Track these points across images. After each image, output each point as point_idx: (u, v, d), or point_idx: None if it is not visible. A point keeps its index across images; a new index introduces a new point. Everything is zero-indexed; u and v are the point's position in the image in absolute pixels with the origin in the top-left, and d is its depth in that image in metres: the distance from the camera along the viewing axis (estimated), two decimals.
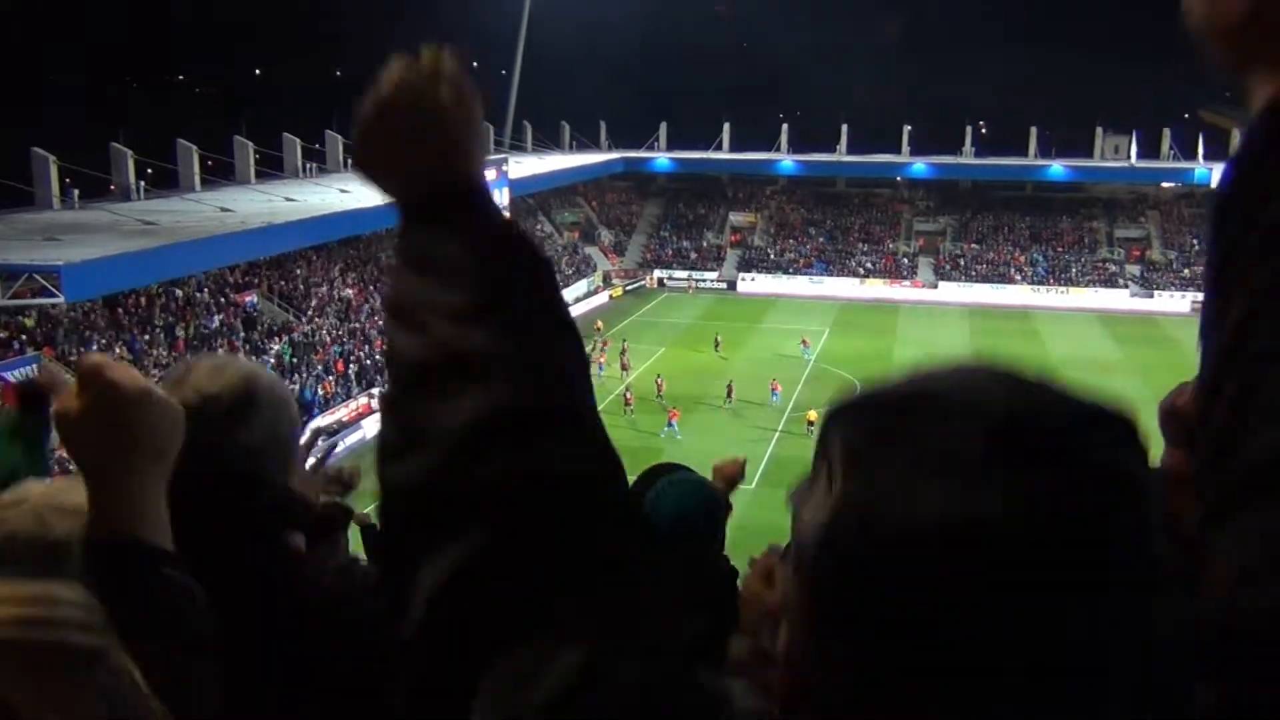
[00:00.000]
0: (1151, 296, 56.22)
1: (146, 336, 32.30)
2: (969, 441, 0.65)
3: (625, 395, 35.86)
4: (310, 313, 39.33)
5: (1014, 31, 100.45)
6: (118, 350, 30.65)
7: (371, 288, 42.60)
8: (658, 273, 61.39)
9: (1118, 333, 48.95)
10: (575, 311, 41.05)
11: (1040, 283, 58.88)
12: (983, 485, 0.63)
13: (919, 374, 0.73)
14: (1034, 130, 63.08)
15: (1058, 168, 61.69)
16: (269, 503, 1.74)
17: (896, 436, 0.67)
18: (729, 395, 36.55)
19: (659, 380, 37.63)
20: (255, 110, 49.41)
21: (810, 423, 33.83)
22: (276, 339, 36.18)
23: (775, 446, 31.72)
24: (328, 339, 37.81)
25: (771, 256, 63.54)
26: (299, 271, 41.11)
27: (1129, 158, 62.42)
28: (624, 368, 39.62)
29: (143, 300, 33.26)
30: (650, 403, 35.81)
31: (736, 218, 66.32)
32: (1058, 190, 64.17)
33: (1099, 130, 64.11)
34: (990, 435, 0.65)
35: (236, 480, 1.67)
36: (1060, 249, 61.81)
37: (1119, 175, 62.97)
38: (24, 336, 28.67)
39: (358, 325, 39.71)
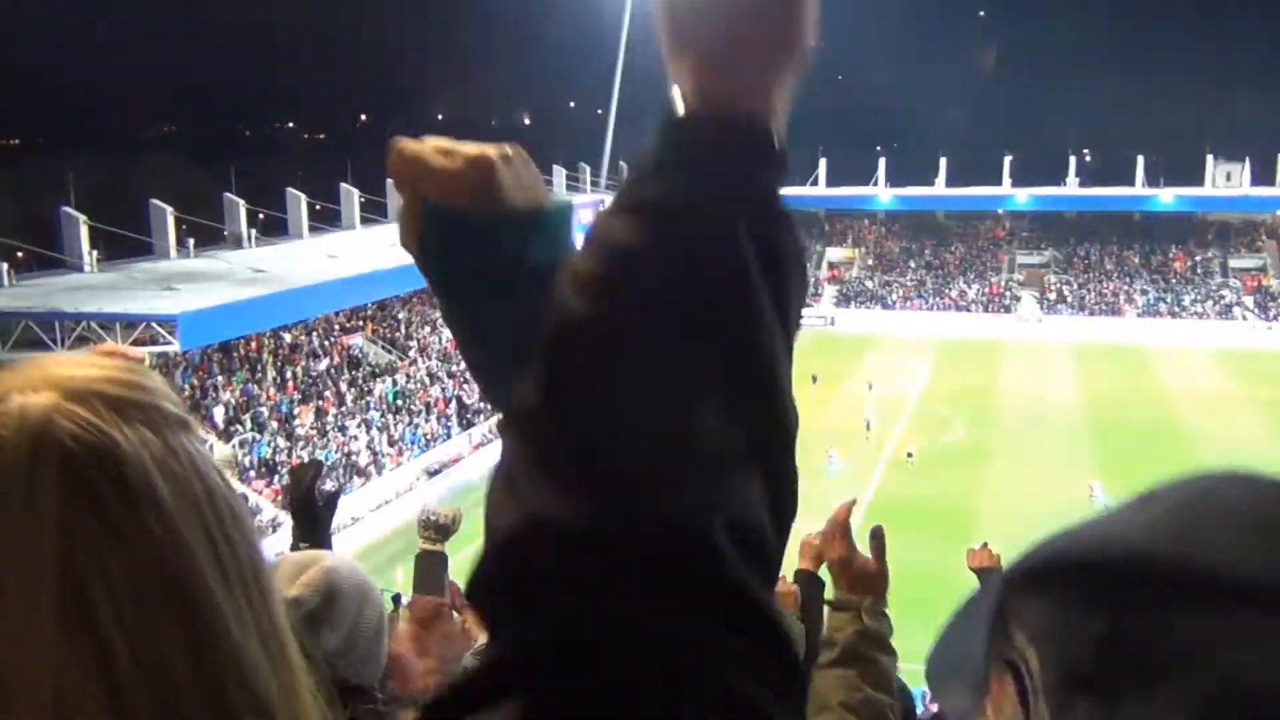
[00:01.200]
0: (1271, 329, 53.94)
1: (259, 376, 33.24)
2: None
3: None
4: (412, 354, 40.11)
5: (1114, 57, 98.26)
6: (230, 393, 31.59)
7: None
8: None
9: (1237, 368, 45.95)
10: None
11: (1150, 314, 57.11)
12: None
13: (1148, 515, 0.47)
14: (1140, 159, 61.44)
15: (1166, 197, 59.86)
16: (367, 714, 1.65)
17: (1174, 632, 0.42)
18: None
19: None
20: (360, 156, 51.00)
21: (910, 454, 33.10)
22: (380, 380, 36.94)
23: (880, 483, 30.97)
24: (426, 380, 38.48)
25: (871, 289, 62.84)
26: (400, 316, 41.98)
27: (1241, 184, 60.33)
28: None
29: (254, 345, 34.25)
30: None
31: (835, 253, 65.74)
32: (1167, 218, 62.34)
33: (1210, 157, 61.99)
34: None
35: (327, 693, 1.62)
36: (1171, 279, 59.93)
37: (1233, 204, 60.88)
38: None
39: (458, 368, 40.33)
